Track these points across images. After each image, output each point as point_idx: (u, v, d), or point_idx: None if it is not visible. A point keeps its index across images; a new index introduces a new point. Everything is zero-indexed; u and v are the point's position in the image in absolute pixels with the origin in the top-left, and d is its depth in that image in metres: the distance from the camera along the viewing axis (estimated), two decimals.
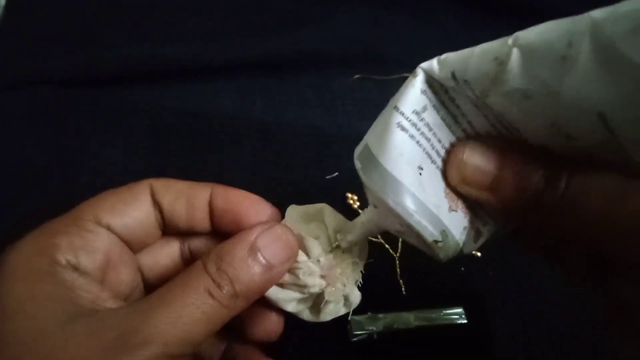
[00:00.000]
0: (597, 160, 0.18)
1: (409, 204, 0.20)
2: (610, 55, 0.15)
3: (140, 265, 0.26)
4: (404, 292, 0.38)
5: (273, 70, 0.48)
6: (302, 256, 0.25)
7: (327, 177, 0.41)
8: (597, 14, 0.15)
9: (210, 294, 0.21)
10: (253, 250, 0.22)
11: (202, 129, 0.43)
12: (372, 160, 0.21)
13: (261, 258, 0.22)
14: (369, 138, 0.21)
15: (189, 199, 0.25)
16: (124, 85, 0.45)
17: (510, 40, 0.17)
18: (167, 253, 0.27)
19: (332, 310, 0.25)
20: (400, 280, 0.38)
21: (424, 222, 0.20)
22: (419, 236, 0.20)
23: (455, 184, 0.21)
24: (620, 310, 0.21)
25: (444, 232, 0.21)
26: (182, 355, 0.20)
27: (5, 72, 0.45)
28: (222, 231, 0.26)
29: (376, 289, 0.36)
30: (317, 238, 0.26)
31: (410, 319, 0.35)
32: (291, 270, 0.25)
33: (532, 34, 0.17)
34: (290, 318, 0.26)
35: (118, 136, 0.42)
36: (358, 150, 0.22)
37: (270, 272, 0.23)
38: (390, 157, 0.20)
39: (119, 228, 0.24)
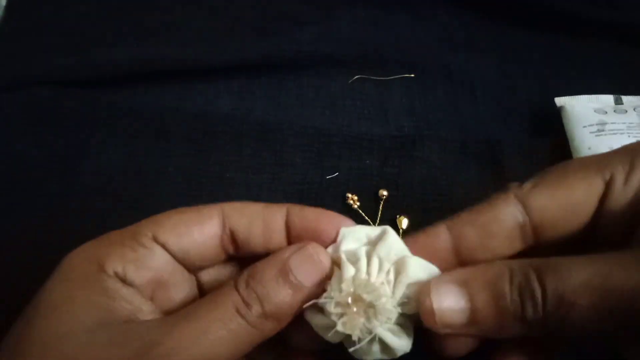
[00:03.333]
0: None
1: None
2: None
3: (202, 284, 0.26)
4: None
5: (273, 70, 0.48)
6: (333, 279, 0.23)
7: (327, 177, 0.41)
8: None
9: (238, 312, 0.21)
10: (284, 270, 0.22)
11: (202, 129, 0.43)
12: None
13: (292, 278, 0.22)
14: None
15: (265, 221, 0.25)
16: (124, 86, 0.45)
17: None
18: (230, 273, 0.27)
19: (360, 350, 0.22)
20: None
21: None
22: None
23: (438, 331, 0.22)
24: None
25: None
26: None
27: (5, 72, 0.45)
28: None
29: None
30: (356, 263, 0.23)
31: None
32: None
33: None
34: None
35: (118, 136, 0.43)
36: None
37: (301, 292, 0.22)
38: None
39: (174, 248, 0.24)
